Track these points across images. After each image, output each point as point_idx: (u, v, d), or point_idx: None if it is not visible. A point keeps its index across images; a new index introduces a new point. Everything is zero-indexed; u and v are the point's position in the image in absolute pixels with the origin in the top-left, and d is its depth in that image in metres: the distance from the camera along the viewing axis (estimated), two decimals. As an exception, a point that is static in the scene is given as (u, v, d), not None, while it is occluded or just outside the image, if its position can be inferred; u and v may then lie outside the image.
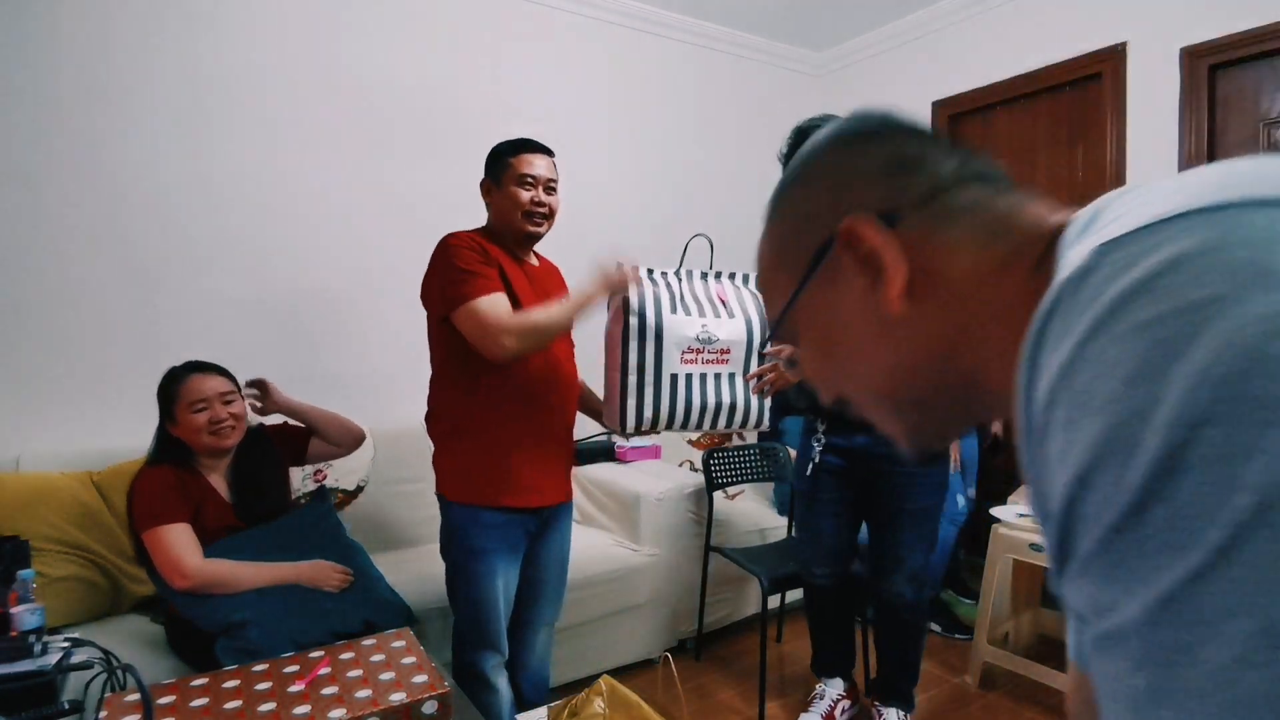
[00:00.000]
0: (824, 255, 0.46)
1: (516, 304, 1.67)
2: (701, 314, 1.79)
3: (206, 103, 2.39)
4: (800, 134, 1.81)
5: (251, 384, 1.92)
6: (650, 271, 1.81)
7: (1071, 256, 0.33)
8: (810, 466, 2.00)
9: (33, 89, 2.14)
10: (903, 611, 2.03)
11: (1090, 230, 0.34)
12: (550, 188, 1.74)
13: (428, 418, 1.79)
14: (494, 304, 1.60)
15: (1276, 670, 0.23)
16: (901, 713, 2.08)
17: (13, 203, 2.13)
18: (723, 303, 1.84)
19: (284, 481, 1.93)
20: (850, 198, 0.46)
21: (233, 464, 1.80)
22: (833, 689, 2.17)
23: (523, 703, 1.84)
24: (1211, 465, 0.24)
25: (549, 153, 1.76)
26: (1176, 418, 0.25)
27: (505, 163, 1.71)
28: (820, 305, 0.48)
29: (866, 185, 0.46)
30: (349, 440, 2.03)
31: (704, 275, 1.88)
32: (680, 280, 1.84)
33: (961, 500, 2.69)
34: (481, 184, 1.77)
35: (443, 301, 1.64)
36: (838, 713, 2.15)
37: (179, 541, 1.59)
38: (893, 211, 0.44)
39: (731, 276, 1.93)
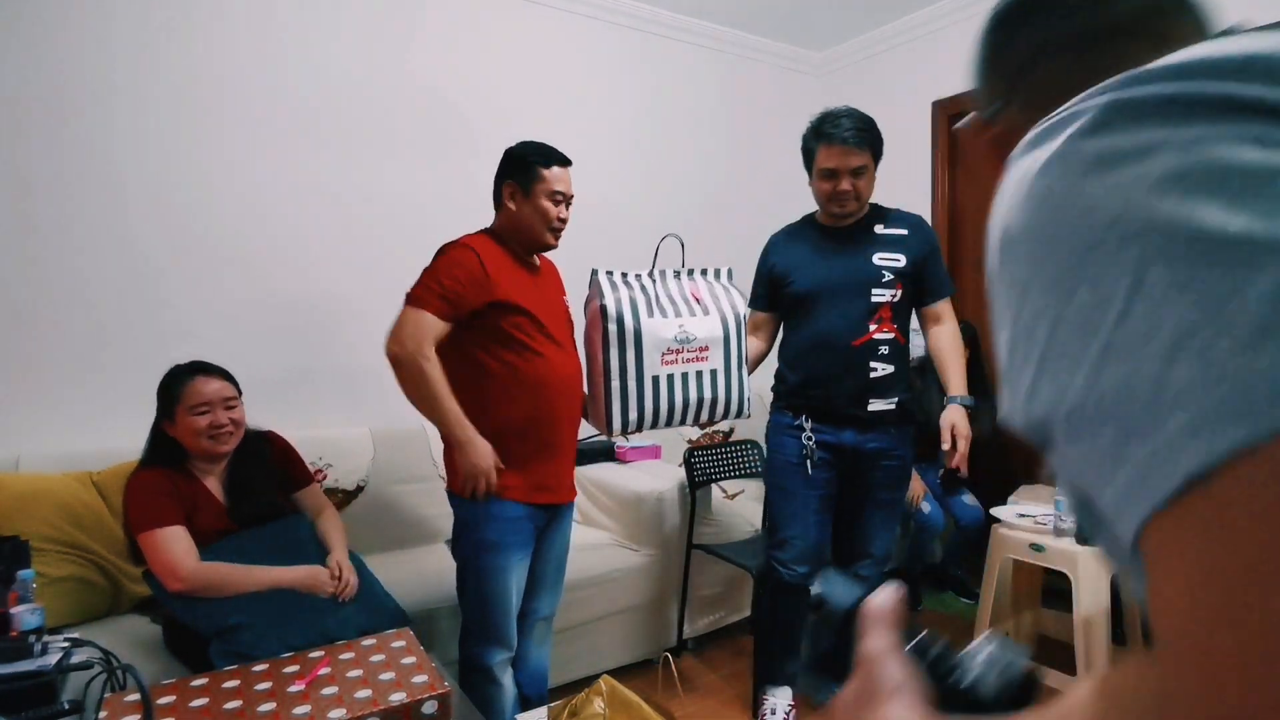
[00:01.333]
0: None
1: (523, 310, 1.69)
2: (678, 314, 1.83)
3: (207, 103, 2.39)
4: (819, 119, 1.92)
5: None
6: (624, 275, 1.84)
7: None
8: (808, 462, 1.99)
9: (30, 89, 2.14)
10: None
11: None
12: (570, 202, 1.78)
13: None
14: (426, 323, 1.60)
15: (1202, 357, 0.27)
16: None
17: (12, 203, 2.13)
18: (697, 300, 1.88)
19: (279, 485, 1.90)
20: None
21: (228, 466, 1.78)
22: (782, 699, 2.12)
23: (520, 697, 1.84)
24: (1114, 246, 0.30)
25: (570, 164, 1.79)
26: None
27: (538, 174, 1.71)
28: None
29: None
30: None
31: (676, 274, 1.92)
32: (655, 281, 1.87)
33: (928, 507, 2.85)
34: (505, 186, 1.76)
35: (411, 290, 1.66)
36: None
37: (174, 544, 1.59)
38: None
39: (704, 273, 1.95)
